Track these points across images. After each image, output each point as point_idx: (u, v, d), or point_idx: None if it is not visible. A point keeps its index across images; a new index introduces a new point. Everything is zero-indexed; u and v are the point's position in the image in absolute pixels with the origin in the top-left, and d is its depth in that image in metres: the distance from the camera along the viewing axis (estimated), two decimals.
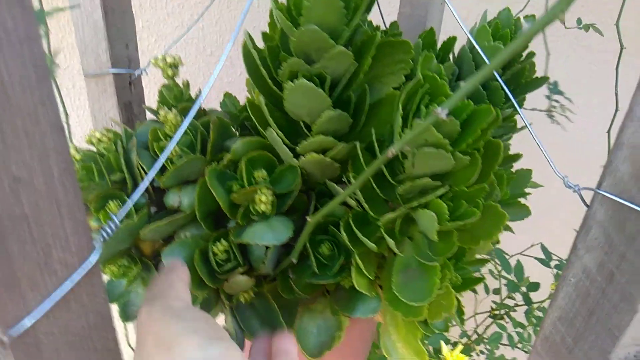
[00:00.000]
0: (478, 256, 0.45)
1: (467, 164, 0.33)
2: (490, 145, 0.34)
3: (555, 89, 0.69)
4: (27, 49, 0.18)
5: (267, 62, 0.35)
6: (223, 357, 0.24)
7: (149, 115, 0.51)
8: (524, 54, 0.45)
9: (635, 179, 0.32)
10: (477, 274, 0.45)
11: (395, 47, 0.36)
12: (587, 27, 0.61)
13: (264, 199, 0.35)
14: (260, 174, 0.37)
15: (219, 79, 0.79)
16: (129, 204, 0.29)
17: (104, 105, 0.50)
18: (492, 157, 0.34)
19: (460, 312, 0.43)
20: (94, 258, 0.24)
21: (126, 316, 0.46)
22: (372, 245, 0.35)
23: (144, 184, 0.30)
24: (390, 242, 0.34)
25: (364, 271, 0.36)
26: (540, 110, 0.74)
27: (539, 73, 0.71)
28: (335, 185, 0.38)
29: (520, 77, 0.45)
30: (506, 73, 0.44)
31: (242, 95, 0.79)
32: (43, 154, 0.20)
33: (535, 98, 0.67)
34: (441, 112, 0.22)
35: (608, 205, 0.35)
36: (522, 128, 0.48)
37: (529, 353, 0.45)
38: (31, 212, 0.20)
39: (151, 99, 0.62)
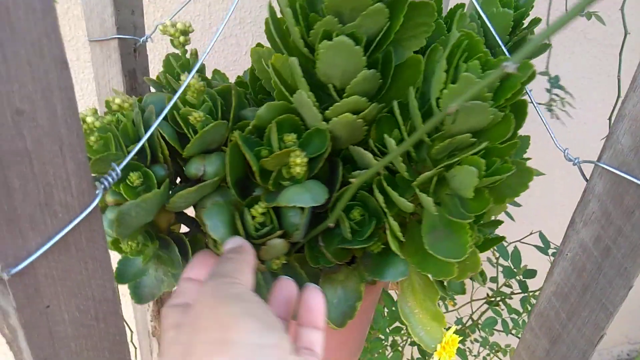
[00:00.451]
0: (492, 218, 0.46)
1: (500, 120, 0.33)
2: (518, 102, 0.35)
3: (555, 83, 0.71)
4: None
5: (298, 20, 0.34)
6: (276, 347, 0.24)
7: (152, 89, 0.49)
8: (527, 21, 0.46)
9: (635, 151, 0.33)
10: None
11: (419, 10, 0.36)
12: (589, 15, 0.63)
13: (298, 161, 0.35)
14: (290, 137, 0.36)
15: (224, 57, 0.77)
16: (129, 158, 0.29)
17: (108, 72, 0.49)
18: (521, 114, 0.35)
19: (482, 273, 0.44)
20: (94, 202, 0.24)
21: (138, 298, 0.44)
22: (409, 204, 0.35)
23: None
24: (428, 200, 0.34)
25: (398, 232, 0.36)
26: (540, 104, 0.77)
27: (541, 67, 0.73)
28: (362, 149, 0.38)
29: (524, 44, 0.46)
30: (512, 39, 0.45)
31: (233, 69, 0.78)
32: (47, 88, 0.20)
33: (535, 92, 0.69)
34: (510, 65, 0.23)
35: (607, 179, 0.35)
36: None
37: (523, 330, 0.46)
38: (33, 147, 0.20)
39: (154, 68, 0.61)
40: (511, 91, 0.31)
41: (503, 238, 0.42)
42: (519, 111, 0.36)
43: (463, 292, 0.45)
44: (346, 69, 0.34)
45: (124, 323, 0.29)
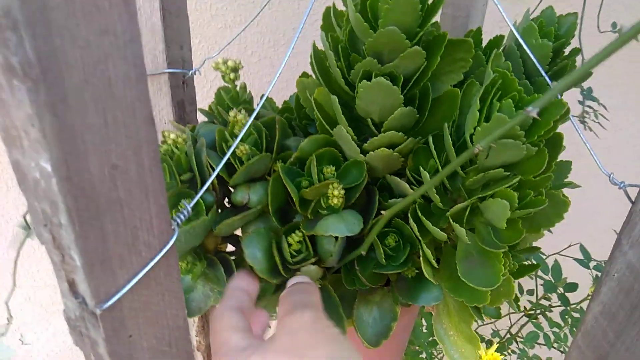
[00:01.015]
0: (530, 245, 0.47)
1: (534, 154, 0.34)
2: (553, 136, 0.36)
3: (588, 95, 0.70)
4: (130, 50, 0.20)
5: (338, 64, 0.36)
6: None
7: (200, 116, 0.53)
8: (567, 50, 0.46)
9: None
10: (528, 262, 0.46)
11: (456, 46, 0.38)
12: (620, 32, 0.62)
13: (336, 193, 0.37)
14: (329, 169, 0.39)
15: (259, 78, 0.81)
16: (197, 197, 0.32)
17: (158, 103, 0.52)
18: (555, 148, 0.36)
19: (516, 298, 0.45)
20: (172, 241, 0.26)
21: (188, 312, 0.47)
22: (442, 234, 0.36)
23: (211, 178, 0.33)
24: (461, 230, 0.35)
25: (431, 260, 0.38)
26: (573, 116, 0.76)
27: None
28: (398, 179, 0.40)
29: (564, 73, 0.46)
30: (552, 69, 0.45)
31: (281, 94, 0.81)
32: (137, 145, 0.22)
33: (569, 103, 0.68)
34: (532, 110, 0.24)
35: None
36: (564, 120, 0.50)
37: (565, 353, 0.46)
38: (125, 196, 0.22)
39: (200, 97, 0.64)
40: (544, 129, 0.32)
41: (538, 266, 0.42)
42: (554, 145, 0.36)
43: (498, 316, 0.46)
44: (384, 106, 0.36)
45: (191, 349, 0.32)
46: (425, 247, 0.38)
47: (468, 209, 0.37)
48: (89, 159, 0.20)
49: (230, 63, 0.43)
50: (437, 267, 0.40)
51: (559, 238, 0.77)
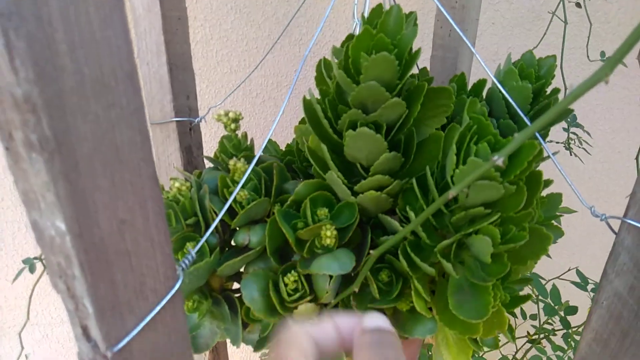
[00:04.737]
0: (521, 276, 0.48)
1: (514, 192, 0.37)
2: (532, 174, 0.38)
3: (573, 122, 0.73)
4: (135, 118, 0.23)
5: (327, 114, 0.39)
6: None
7: (206, 161, 0.56)
8: (549, 89, 0.49)
9: None
10: (522, 292, 0.48)
11: (437, 94, 0.41)
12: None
13: (329, 234, 0.39)
14: (323, 211, 0.41)
15: (264, 118, 0.85)
16: (202, 240, 0.34)
17: (167, 149, 0.56)
18: (535, 185, 0.38)
19: (510, 329, 0.46)
20: (177, 285, 0.28)
21: (195, 348, 0.50)
22: (430, 269, 0.39)
23: (215, 222, 0.35)
24: (448, 265, 0.38)
25: (423, 294, 0.40)
26: (558, 142, 0.78)
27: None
28: (389, 218, 0.42)
29: (546, 112, 0.49)
30: (534, 108, 0.48)
31: (284, 132, 0.84)
32: (142, 200, 0.25)
33: (554, 130, 0.71)
34: (497, 159, 0.27)
35: (635, 233, 0.37)
36: (547, 158, 0.52)
37: None
38: (132, 247, 0.25)
39: (206, 141, 0.67)
40: (519, 169, 0.34)
41: (529, 297, 0.44)
42: (534, 182, 0.39)
43: (496, 346, 0.47)
44: (370, 152, 0.38)
45: None
46: (416, 282, 0.40)
47: (454, 245, 0.39)
48: (98, 216, 0.22)
49: (231, 114, 0.46)
50: (429, 300, 0.41)
51: (560, 262, 0.78)
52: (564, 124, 0.75)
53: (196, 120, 0.55)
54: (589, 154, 0.77)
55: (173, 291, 0.28)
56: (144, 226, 0.25)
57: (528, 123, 0.44)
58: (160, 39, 0.52)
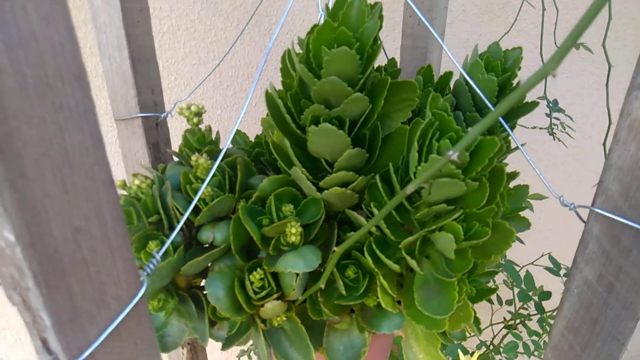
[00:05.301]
0: (488, 269, 0.49)
1: (476, 188, 0.37)
2: (495, 169, 0.38)
3: (555, 107, 0.73)
4: (85, 121, 0.22)
5: (289, 109, 0.38)
6: None
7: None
8: (515, 82, 0.49)
9: (625, 197, 0.35)
10: (490, 285, 0.48)
11: (402, 87, 0.40)
12: (577, 46, 0.65)
13: (293, 231, 0.39)
14: (288, 208, 0.41)
15: (236, 110, 0.83)
16: (167, 242, 0.33)
17: (133, 146, 0.54)
18: (498, 180, 0.38)
19: (477, 321, 0.46)
20: (141, 292, 0.27)
21: (163, 347, 0.49)
22: (395, 266, 0.38)
23: (179, 224, 0.34)
24: (412, 262, 0.37)
25: (389, 290, 0.40)
26: (541, 128, 0.78)
27: (538, 92, 0.76)
28: (355, 214, 0.42)
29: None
30: (499, 101, 0.48)
31: (256, 124, 0.83)
32: (98, 206, 0.24)
33: (537, 114, 0.71)
34: (452, 154, 0.26)
35: (602, 221, 0.37)
36: (515, 148, 0.52)
37: None
38: (89, 256, 0.24)
39: (175, 136, 0.66)
40: (480, 165, 0.34)
41: (495, 290, 0.44)
42: (497, 177, 0.38)
43: (464, 338, 0.47)
44: (333, 148, 0.38)
45: None
46: (382, 278, 0.40)
47: (419, 241, 0.39)
48: (51, 224, 0.21)
49: (193, 108, 0.45)
50: (395, 296, 0.41)
51: (534, 247, 0.79)
52: (546, 109, 0.75)
53: (162, 116, 0.53)
54: (572, 137, 0.78)
55: (137, 298, 0.27)
56: (101, 233, 0.24)
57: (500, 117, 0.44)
58: (121, 32, 0.50)
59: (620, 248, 0.37)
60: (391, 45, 0.85)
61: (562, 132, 0.80)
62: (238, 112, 0.83)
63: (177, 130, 0.81)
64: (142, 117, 0.52)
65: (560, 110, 0.79)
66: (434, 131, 0.35)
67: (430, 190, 0.35)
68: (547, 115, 0.80)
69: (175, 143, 0.59)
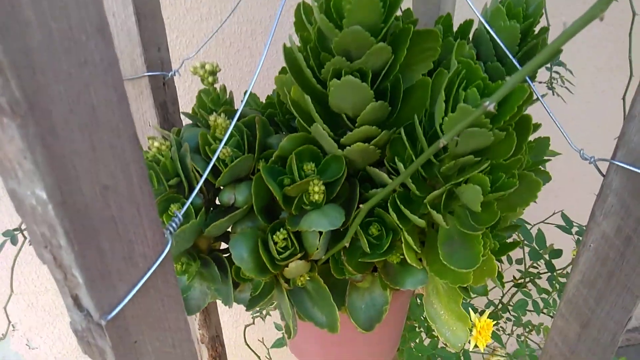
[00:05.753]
0: (510, 223, 0.48)
1: (503, 138, 0.36)
2: (521, 119, 0.37)
3: (555, 61, 0.71)
4: (109, 75, 0.21)
5: (309, 63, 0.37)
6: None
7: (184, 117, 0.54)
8: (537, 29, 0.47)
9: None
10: (510, 239, 0.48)
11: (423, 37, 0.39)
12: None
13: (316, 189, 0.38)
14: (309, 166, 0.40)
15: (239, 69, 0.81)
16: (187, 203, 0.33)
17: (141, 106, 0.53)
18: (524, 130, 0.37)
19: (500, 275, 0.46)
20: (167, 250, 0.27)
21: (187, 309, 0.49)
22: (420, 221, 0.38)
23: (199, 184, 0.34)
24: (438, 216, 0.37)
25: (413, 246, 0.40)
26: (540, 82, 0.76)
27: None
28: (377, 170, 0.41)
29: (534, 52, 0.47)
30: (522, 49, 0.46)
31: (263, 82, 0.81)
32: (124, 164, 0.23)
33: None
34: (489, 105, 0.25)
35: (623, 174, 0.37)
36: (536, 100, 0.51)
37: (554, 317, 0.48)
38: (117, 213, 0.24)
39: (183, 92, 0.64)
40: (509, 114, 0.33)
41: (518, 244, 0.44)
42: (523, 127, 0.38)
43: (485, 293, 0.47)
44: (355, 102, 0.37)
45: (195, 348, 0.33)
46: (406, 234, 0.39)
47: (444, 195, 0.38)
48: (80, 182, 0.21)
49: (207, 67, 0.44)
50: (419, 252, 0.41)
51: (544, 206, 0.79)
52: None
53: (170, 74, 0.52)
54: (571, 92, 0.76)
55: (163, 255, 0.27)
56: (128, 191, 0.24)
57: (517, 65, 0.42)
58: None
59: None
60: None
61: (562, 86, 0.78)
62: (242, 72, 0.81)
63: (182, 89, 0.79)
64: (149, 76, 0.51)
65: (561, 64, 0.77)
66: (460, 80, 0.34)
67: (457, 142, 0.35)
68: (547, 69, 0.78)
69: (182, 103, 0.58)
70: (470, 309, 0.75)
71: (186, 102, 0.79)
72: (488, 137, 0.34)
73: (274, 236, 0.40)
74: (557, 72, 0.78)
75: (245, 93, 0.41)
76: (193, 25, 0.76)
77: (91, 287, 0.23)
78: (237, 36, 0.79)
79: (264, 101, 0.57)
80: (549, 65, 0.79)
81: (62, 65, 0.19)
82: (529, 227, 0.80)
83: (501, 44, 0.42)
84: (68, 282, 0.24)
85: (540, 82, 0.79)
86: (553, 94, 0.79)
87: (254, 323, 0.89)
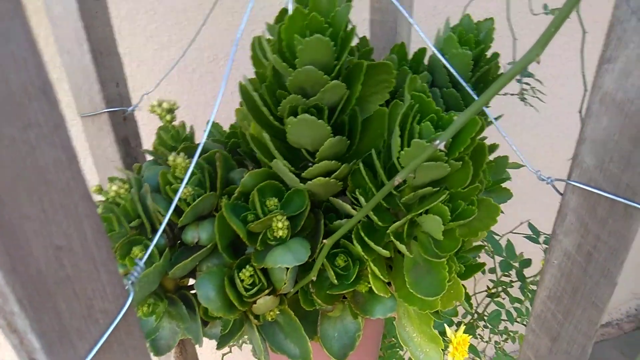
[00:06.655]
0: (474, 244, 0.49)
1: (460, 168, 0.36)
2: (476, 147, 0.38)
3: (525, 72, 0.73)
4: (57, 136, 0.21)
5: (266, 101, 0.37)
6: None
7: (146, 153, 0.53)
8: (489, 54, 0.48)
9: (599, 169, 0.35)
10: (477, 259, 0.49)
11: (378, 70, 0.40)
12: (553, 12, 0.65)
13: (280, 225, 0.38)
14: (272, 201, 0.40)
15: (204, 94, 0.80)
16: (151, 246, 0.32)
17: (101, 143, 0.53)
18: (480, 158, 0.38)
19: (467, 297, 0.47)
20: (128, 302, 0.27)
21: (156, 350, 0.48)
22: (384, 252, 0.38)
23: (161, 228, 0.33)
24: (401, 246, 0.37)
25: (380, 275, 0.40)
26: (512, 95, 0.78)
27: (507, 58, 0.75)
28: (341, 201, 0.41)
29: (487, 77, 0.48)
30: (475, 75, 0.47)
31: (227, 107, 0.80)
32: (77, 221, 0.23)
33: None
34: (439, 143, 0.26)
35: (579, 194, 0.38)
36: (490, 123, 0.53)
37: (525, 331, 0.49)
38: (73, 273, 0.23)
39: (143, 129, 0.63)
40: (463, 146, 0.34)
41: (483, 265, 0.45)
42: (478, 154, 0.38)
43: (455, 314, 0.48)
44: (314, 138, 0.37)
45: None
46: (372, 264, 0.40)
47: (406, 225, 0.39)
48: (31, 246, 0.21)
49: (165, 105, 0.43)
50: (386, 280, 0.41)
51: (513, 214, 0.80)
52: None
53: (129, 110, 0.51)
54: (543, 102, 0.78)
55: (124, 309, 0.27)
56: (83, 248, 0.24)
57: (470, 91, 0.43)
58: (79, 25, 0.47)
59: (597, 219, 0.38)
60: (358, 17, 0.83)
61: (533, 97, 0.81)
62: (206, 97, 0.81)
63: (146, 118, 0.78)
64: (109, 112, 0.50)
65: (530, 75, 0.79)
66: (414, 114, 0.35)
67: (415, 175, 0.35)
68: (517, 81, 0.80)
69: (144, 136, 0.57)
70: (445, 324, 0.75)
71: (148, 134, 0.78)
72: (444, 169, 0.34)
73: (241, 273, 0.39)
74: (527, 83, 0.80)
75: (207, 123, 0.40)
76: (154, 53, 0.75)
77: (49, 350, 0.23)
78: (199, 62, 0.78)
79: (227, 128, 0.57)
80: (519, 77, 0.81)
81: (4, 130, 0.19)
82: (497, 237, 0.81)
83: (453, 72, 0.43)
84: (25, 347, 0.23)
85: (512, 95, 0.81)
86: (525, 105, 0.81)
87: (231, 352, 0.87)
